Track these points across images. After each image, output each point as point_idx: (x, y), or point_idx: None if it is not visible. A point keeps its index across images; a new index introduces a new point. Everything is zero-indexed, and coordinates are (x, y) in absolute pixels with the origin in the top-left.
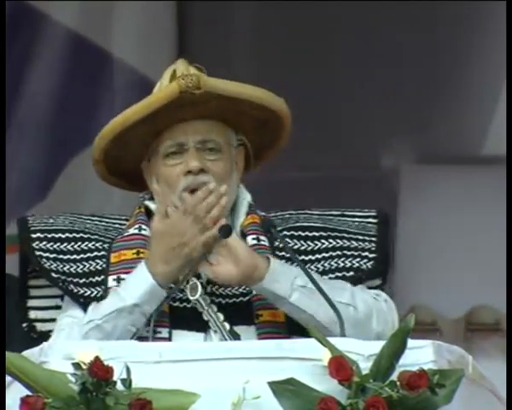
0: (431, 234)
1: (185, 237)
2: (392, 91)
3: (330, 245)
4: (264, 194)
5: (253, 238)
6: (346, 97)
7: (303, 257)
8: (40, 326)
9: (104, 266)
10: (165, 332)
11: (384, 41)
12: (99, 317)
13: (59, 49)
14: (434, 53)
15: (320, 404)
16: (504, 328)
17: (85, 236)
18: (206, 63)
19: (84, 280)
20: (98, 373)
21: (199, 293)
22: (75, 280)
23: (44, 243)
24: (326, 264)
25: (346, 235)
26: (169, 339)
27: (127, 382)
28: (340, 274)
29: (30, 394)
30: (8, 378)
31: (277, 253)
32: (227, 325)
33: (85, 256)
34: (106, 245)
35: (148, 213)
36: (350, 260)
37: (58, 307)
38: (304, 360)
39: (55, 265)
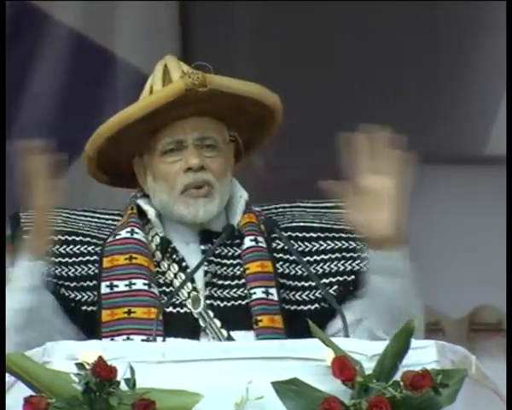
0: (432, 234)
1: None
2: (392, 91)
3: (329, 247)
4: (265, 193)
5: (251, 240)
6: (346, 97)
7: (301, 259)
8: None
9: (96, 271)
10: (159, 341)
11: (385, 41)
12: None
13: (62, 49)
14: (435, 53)
15: (323, 404)
16: None
17: (78, 238)
18: (208, 63)
19: (75, 284)
20: (101, 373)
21: (201, 306)
22: (66, 284)
23: None
24: (326, 266)
25: (343, 235)
26: None
27: (131, 382)
28: (341, 278)
29: (33, 394)
30: (11, 378)
31: (275, 255)
32: (224, 332)
33: (77, 260)
34: (98, 248)
35: (141, 213)
36: (350, 262)
37: None
38: (307, 360)
39: (46, 268)
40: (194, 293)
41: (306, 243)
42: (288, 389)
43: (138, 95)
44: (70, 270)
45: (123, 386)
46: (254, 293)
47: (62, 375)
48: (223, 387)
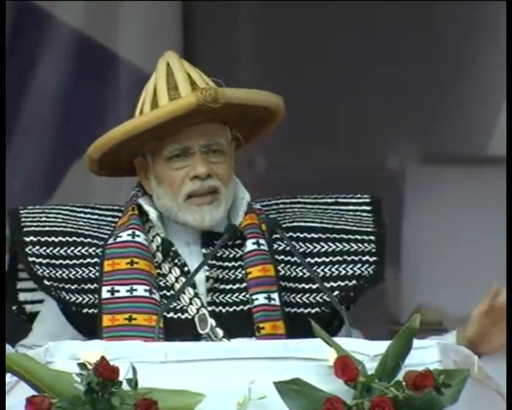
0: (436, 234)
1: None
2: (397, 91)
3: (330, 249)
4: (267, 193)
5: (253, 243)
6: (351, 97)
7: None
8: (29, 308)
9: (97, 274)
10: None
11: (386, 41)
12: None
13: (64, 49)
14: (439, 53)
15: (326, 404)
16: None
17: (78, 239)
18: (211, 63)
19: (75, 286)
20: (104, 373)
21: (209, 327)
22: (67, 286)
23: (37, 247)
24: (327, 270)
25: (344, 236)
26: None
27: (133, 382)
28: (342, 283)
29: (36, 394)
30: (13, 378)
31: (277, 257)
32: (226, 341)
33: (78, 262)
34: (98, 250)
35: (141, 212)
36: (351, 266)
37: None
38: (309, 360)
39: (47, 271)
40: (202, 311)
41: (307, 244)
42: (290, 389)
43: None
44: (70, 272)
45: (125, 386)
46: (256, 299)
47: (65, 375)
48: (225, 387)
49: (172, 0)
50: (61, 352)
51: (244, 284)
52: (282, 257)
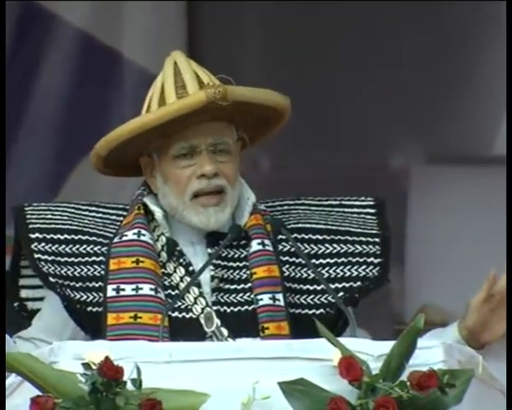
0: (441, 234)
1: None
2: (402, 92)
3: (335, 250)
4: (272, 193)
5: (258, 243)
6: (355, 98)
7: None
8: (31, 305)
9: (102, 272)
10: None
11: (395, 41)
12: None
13: (69, 49)
14: (445, 52)
15: (330, 404)
16: None
17: (84, 237)
18: (216, 62)
19: (80, 284)
20: (108, 373)
21: (215, 325)
22: (72, 284)
23: (43, 244)
24: (331, 271)
25: (349, 238)
26: None
27: (137, 382)
28: (347, 285)
29: (40, 394)
30: (17, 378)
31: (281, 258)
32: (231, 341)
33: (83, 260)
34: (104, 249)
35: (146, 211)
36: (356, 267)
37: None
38: (314, 361)
39: (52, 268)
40: (208, 310)
41: (312, 246)
42: (294, 389)
43: (145, 95)
44: (75, 270)
45: (129, 386)
46: (261, 299)
47: (69, 375)
48: (229, 387)
49: (177, 0)
50: (65, 352)
51: (249, 285)
52: (287, 258)
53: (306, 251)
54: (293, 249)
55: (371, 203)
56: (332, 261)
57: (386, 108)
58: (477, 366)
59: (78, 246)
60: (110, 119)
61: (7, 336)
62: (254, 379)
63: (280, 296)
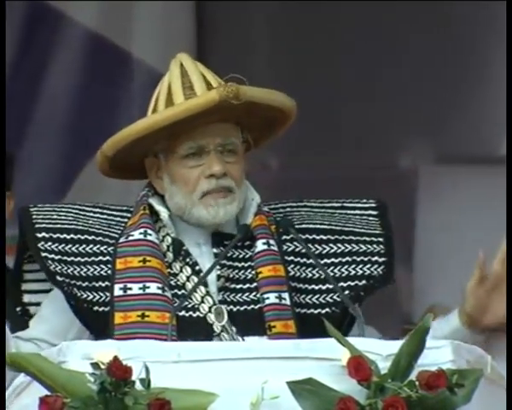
0: (449, 234)
1: None
2: (410, 91)
3: (339, 250)
4: (279, 193)
5: (264, 243)
6: (365, 97)
7: (311, 262)
8: (33, 310)
9: (109, 272)
10: None
11: (403, 40)
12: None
13: (78, 49)
14: (454, 52)
15: (339, 404)
16: None
17: (90, 237)
18: (225, 63)
19: (87, 284)
20: (117, 373)
21: (225, 319)
22: (78, 283)
23: (49, 243)
24: (336, 270)
25: (353, 238)
26: None
27: (146, 382)
28: (352, 283)
29: (49, 394)
30: (26, 378)
31: (286, 257)
32: (239, 339)
33: (90, 260)
34: (110, 249)
35: (151, 212)
36: (360, 266)
37: (51, 291)
38: (322, 360)
39: (59, 267)
40: (218, 305)
41: (317, 246)
42: (303, 388)
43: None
44: (82, 269)
45: (138, 386)
46: (267, 298)
47: (78, 375)
48: (238, 387)
49: (186, 0)
50: (73, 352)
51: (254, 284)
52: (292, 258)
53: (311, 251)
54: (297, 249)
55: (373, 205)
56: (337, 261)
57: (395, 108)
58: (486, 365)
59: (84, 246)
60: (118, 119)
61: (8, 333)
62: (263, 379)
63: (286, 295)
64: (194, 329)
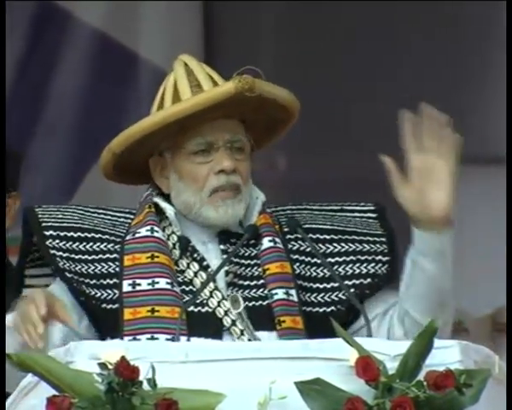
0: (454, 234)
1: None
2: (416, 91)
3: (343, 249)
4: (282, 194)
5: (270, 240)
6: (372, 98)
7: (315, 260)
8: None
9: (117, 269)
10: (183, 340)
11: (405, 41)
12: None
13: (85, 49)
14: (455, 53)
15: (347, 404)
16: None
17: (96, 236)
18: (232, 62)
19: (94, 281)
20: (124, 373)
21: (242, 306)
22: (87, 281)
23: (57, 241)
24: (341, 269)
25: (356, 237)
26: None
27: (152, 382)
28: (357, 281)
29: (56, 394)
30: (34, 378)
31: (292, 256)
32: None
33: (97, 258)
34: (117, 246)
35: (157, 211)
36: (365, 265)
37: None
38: (330, 360)
39: (68, 264)
40: (233, 292)
41: (320, 245)
42: (311, 389)
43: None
44: (90, 267)
45: (146, 386)
46: (276, 294)
47: (85, 375)
48: (246, 387)
49: (193, 0)
50: (81, 352)
51: (261, 281)
52: (297, 256)
53: (315, 251)
54: (302, 248)
55: (372, 208)
56: (341, 260)
57: (394, 108)
58: (493, 365)
59: (91, 243)
60: (126, 119)
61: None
62: (271, 379)
63: (293, 292)
64: (203, 324)
